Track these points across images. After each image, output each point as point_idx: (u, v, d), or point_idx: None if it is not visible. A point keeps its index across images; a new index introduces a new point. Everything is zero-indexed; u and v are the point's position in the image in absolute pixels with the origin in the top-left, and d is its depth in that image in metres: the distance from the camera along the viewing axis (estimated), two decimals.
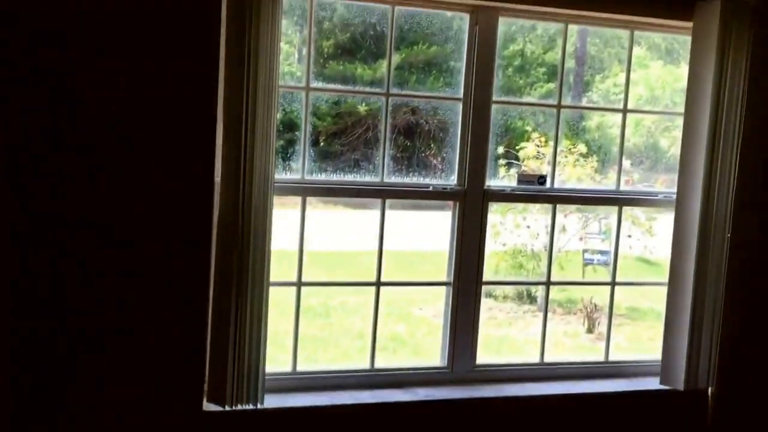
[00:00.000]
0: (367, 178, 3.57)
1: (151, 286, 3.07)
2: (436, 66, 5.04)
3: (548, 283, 3.89)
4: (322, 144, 5.59)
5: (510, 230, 6.56)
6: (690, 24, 3.60)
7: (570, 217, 6.46)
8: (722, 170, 3.56)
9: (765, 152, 3.78)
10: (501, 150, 6.17)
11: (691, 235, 3.59)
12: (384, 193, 3.48)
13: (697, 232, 3.56)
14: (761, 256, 3.85)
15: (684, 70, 3.70)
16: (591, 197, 3.99)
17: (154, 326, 3.08)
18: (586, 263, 6.90)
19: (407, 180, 3.75)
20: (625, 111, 3.83)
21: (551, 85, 5.65)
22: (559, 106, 3.71)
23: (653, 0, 3.53)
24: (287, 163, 3.59)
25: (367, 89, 3.99)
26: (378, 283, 3.56)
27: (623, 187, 3.94)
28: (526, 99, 6.11)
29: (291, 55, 4.52)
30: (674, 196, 3.68)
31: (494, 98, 3.55)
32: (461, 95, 3.52)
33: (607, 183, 5.94)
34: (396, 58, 3.57)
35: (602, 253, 6.80)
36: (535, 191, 3.72)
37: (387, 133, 3.49)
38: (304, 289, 3.49)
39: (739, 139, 3.58)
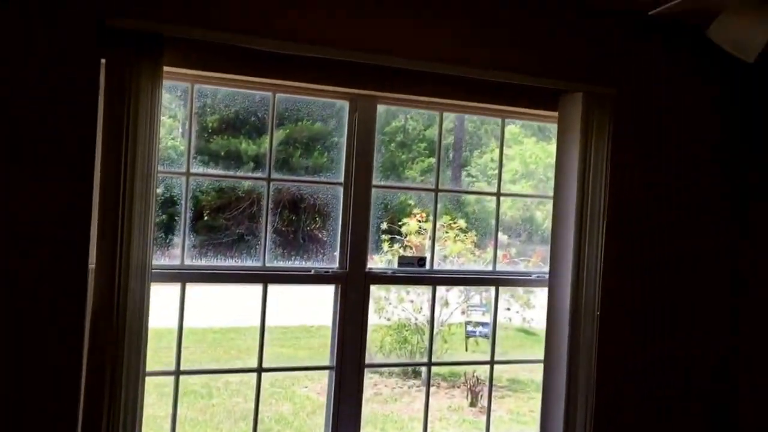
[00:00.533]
0: (249, 263, 3.56)
1: (21, 374, 2.91)
2: (320, 141, 5.11)
3: (429, 364, 3.95)
4: (206, 218, 5.52)
5: (394, 305, 6.64)
6: (556, 113, 3.83)
7: (452, 290, 6.61)
8: (590, 251, 3.75)
9: (629, 232, 4.02)
10: (385, 225, 6.28)
11: (564, 313, 3.75)
12: (265, 278, 3.46)
13: (568, 310, 3.73)
14: (629, 331, 4.05)
15: (555, 146, 3.89)
16: (469, 278, 4.11)
17: (24, 417, 2.92)
18: (469, 335, 7.05)
19: (289, 264, 3.75)
20: (498, 195, 4.00)
21: (432, 160, 5.83)
22: (436, 190, 3.83)
23: (521, 91, 3.74)
24: (166, 249, 3.53)
25: (249, 174, 4.00)
26: (259, 370, 3.51)
27: (500, 266, 4.07)
28: (408, 173, 6.26)
29: (174, 128, 4.48)
30: (547, 276, 3.84)
31: (374, 182, 3.63)
32: (342, 180, 3.59)
33: (486, 258, 6.14)
34: (280, 134, 3.61)
35: (484, 325, 6.97)
36: (415, 273, 3.80)
37: (268, 217, 3.50)
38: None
39: (604, 221, 3.79)
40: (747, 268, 4.30)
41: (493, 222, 4.09)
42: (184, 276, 3.32)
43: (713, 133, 4.25)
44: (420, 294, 6.62)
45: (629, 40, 4.00)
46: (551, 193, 3.87)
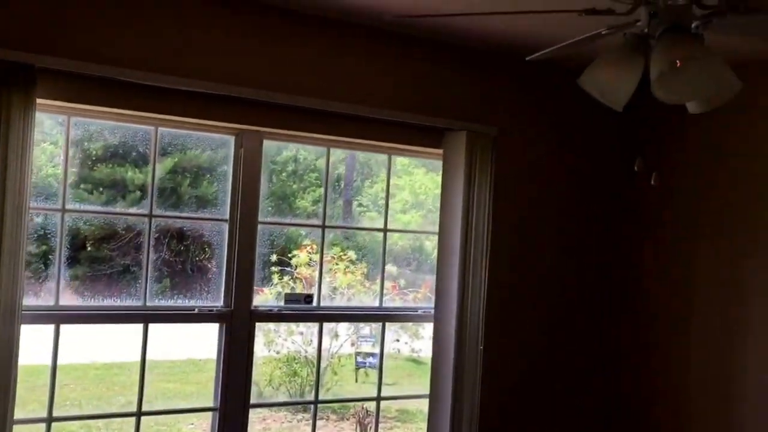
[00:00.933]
0: (129, 302, 3.43)
1: None
2: (209, 170, 5.00)
3: (316, 402, 3.92)
4: (89, 249, 5.30)
5: (284, 338, 6.54)
6: (441, 150, 3.90)
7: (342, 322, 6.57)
8: (474, 286, 3.83)
9: (512, 266, 4.13)
10: (275, 257, 6.21)
11: (449, 347, 3.80)
12: (146, 318, 3.35)
13: (453, 344, 3.78)
14: (513, 363, 4.14)
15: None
16: (356, 314, 4.11)
17: None
18: (359, 366, 7.02)
19: (171, 302, 3.65)
20: (385, 230, 4.04)
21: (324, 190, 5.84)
22: (323, 227, 3.83)
23: (407, 129, 3.80)
24: (44, 282, 3.37)
25: (129, 210, 3.88)
26: (138, 414, 3.38)
27: (389, 298, 4.10)
28: (299, 203, 6.24)
29: (57, 155, 4.29)
30: (432, 311, 3.89)
31: (261, 219, 3.59)
32: (227, 216, 3.53)
33: (375, 289, 6.17)
34: (168, 163, 3.53)
35: (373, 356, 6.97)
36: (302, 310, 3.78)
37: (150, 255, 3.40)
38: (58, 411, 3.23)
39: (487, 256, 3.88)
40: (626, 298, 4.49)
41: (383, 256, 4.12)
42: (58, 317, 3.17)
43: (594, 169, 4.44)
44: (310, 326, 6.55)
45: (512, 82, 4.14)
46: (437, 226, 3.93)
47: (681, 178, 4.24)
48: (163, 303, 3.56)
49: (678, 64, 2.13)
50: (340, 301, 5.67)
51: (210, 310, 3.49)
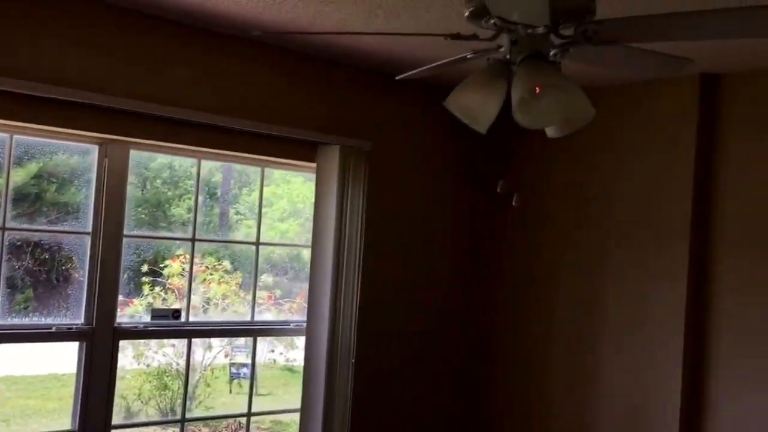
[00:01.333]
0: None
1: None
2: (78, 176, 4.79)
3: (183, 420, 3.82)
4: None
5: (154, 350, 6.33)
6: (314, 164, 3.89)
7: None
8: (346, 299, 3.83)
9: (384, 280, 4.16)
10: (146, 267, 6.00)
11: (321, 361, 3.79)
12: None
13: (325, 358, 3.77)
14: (383, 378, 4.18)
15: None
16: (227, 329, 4.03)
17: None
18: (233, 377, 6.90)
19: (26, 321, 3.45)
20: (258, 244, 3.99)
21: (201, 197, 5.69)
22: (193, 240, 3.74)
23: (280, 142, 3.77)
24: None
25: None
26: None
27: (263, 309, 4.05)
28: (174, 210, 6.04)
29: None
30: (305, 325, 3.87)
31: (127, 231, 3.46)
32: (89, 229, 3.38)
33: (251, 299, 6.07)
34: (33, 168, 3.33)
35: (248, 366, 6.86)
36: (169, 326, 3.67)
37: (2, 271, 3.21)
38: None
39: (360, 270, 3.90)
40: (491, 308, 4.62)
41: (259, 264, 4.07)
42: None
43: (461, 187, 4.54)
44: (182, 339, 6.38)
45: (386, 98, 4.18)
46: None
47: (544, 198, 4.41)
48: (17, 321, 3.35)
49: (537, 91, 2.20)
50: (213, 312, 5.54)
51: (69, 328, 3.33)
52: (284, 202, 7.15)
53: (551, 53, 2.28)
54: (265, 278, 5.34)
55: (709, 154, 3.82)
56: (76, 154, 4.85)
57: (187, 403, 3.83)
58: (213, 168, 5.94)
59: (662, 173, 3.91)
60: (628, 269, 4.02)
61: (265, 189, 4.00)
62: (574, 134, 2.44)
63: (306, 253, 7.33)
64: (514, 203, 3.00)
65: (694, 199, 3.79)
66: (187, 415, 4.07)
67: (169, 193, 6.61)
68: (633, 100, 4.06)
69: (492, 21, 2.13)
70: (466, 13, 2.15)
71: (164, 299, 5.56)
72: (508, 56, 2.29)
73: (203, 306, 5.32)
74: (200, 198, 3.96)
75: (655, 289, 3.89)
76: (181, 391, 6.33)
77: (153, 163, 6.57)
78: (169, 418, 5.96)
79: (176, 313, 3.67)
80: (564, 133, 2.46)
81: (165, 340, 6.40)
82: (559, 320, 4.32)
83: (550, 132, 2.49)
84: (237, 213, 7.47)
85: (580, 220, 4.26)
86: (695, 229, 3.79)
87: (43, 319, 3.47)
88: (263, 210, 4.05)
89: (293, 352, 6.77)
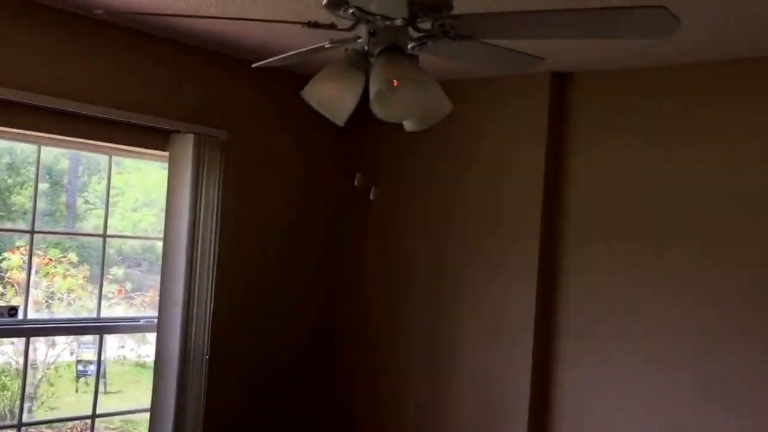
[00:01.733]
0: None
1: None
2: None
3: (20, 425, 3.58)
4: None
5: None
6: (167, 153, 3.73)
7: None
8: (200, 293, 3.70)
9: (239, 273, 4.06)
10: None
11: (173, 358, 3.65)
12: None
13: (177, 356, 3.63)
14: (238, 375, 4.08)
15: None
16: (70, 327, 3.81)
17: None
18: (79, 376, 6.55)
19: None
20: (105, 236, 3.79)
21: (46, 185, 5.35)
22: (32, 232, 3.49)
23: (128, 129, 3.58)
24: None
25: None
26: None
27: (113, 303, 3.86)
28: (15, 199, 5.65)
29: None
30: (155, 320, 3.71)
31: None
32: None
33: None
34: None
35: (95, 363, 6.54)
36: (4, 324, 3.41)
37: None
38: None
39: (215, 263, 3.78)
40: (349, 304, 4.62)
41: (110, 256, 3.86)
42: None
43: (319, 178, 4.50)
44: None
45: (243, 86, 4.07)
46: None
47: (399, 189, 4.45)
48: None
49: (395, 83, 2.19)
50: (58, 308, 5.23)
51: None
52: (137, 190, 6.84)
53: (409, 46, 2.27)
54: (116, 271, 5.10)
55: (560, 148, 3.96)
56: None
57: (29, 404, 3.57)
58: (59, 154, 5.59)
59: (513, 168, 4.03)
60: (478, 260, 4.12)
61: (116, 177, 3.80)
62: (431, 128, 2.45)
63: (160, 245, 7.07)
64: (371, 197, 2.98)
65: (545, 199, 3.92)
66: (28, 417, 3.78)
67: (10, 181, 6.18)
68: (489, 95, 4.15)
69: (350, 11, 2.09)
70: (325, 2, 2.10)
71: (2, 294, 5.20)
72: (366, 47, 2.26)
73: (46, 301, 5.02)
74: (43, 186, 3.71)
75: (508, 282, 4.02)
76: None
77: None
78: (7, 422, 5.60)
79: (12, 311, 3.41)
80: (422, 127, 2.47)
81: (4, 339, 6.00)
82: (420, 311, 4.37)
83: (408, 126, 2.49)
84: (86, 202, 7.09)
85: (436, 212, 4.32)
86: (545, 224, 3.93)
87: None
88: (114, 199, 3.85)
89: (145, 347, 6.50)
